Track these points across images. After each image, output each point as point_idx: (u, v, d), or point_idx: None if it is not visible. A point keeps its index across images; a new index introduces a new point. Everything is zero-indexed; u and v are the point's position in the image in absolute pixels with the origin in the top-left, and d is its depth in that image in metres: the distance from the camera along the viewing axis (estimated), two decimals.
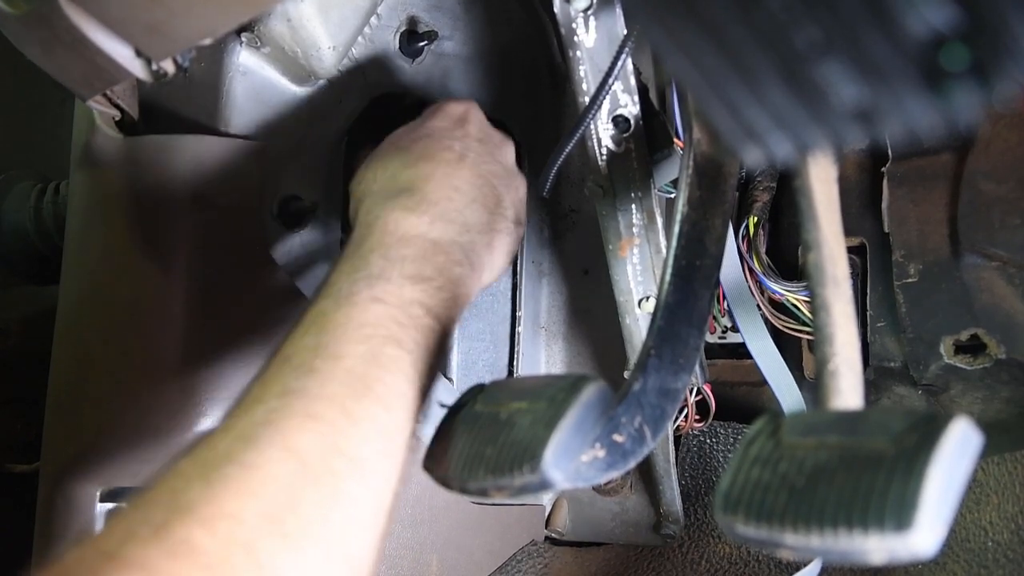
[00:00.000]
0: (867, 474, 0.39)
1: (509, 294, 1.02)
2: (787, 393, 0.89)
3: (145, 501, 0.47)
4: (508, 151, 0.76)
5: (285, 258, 0.81)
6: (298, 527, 0.48)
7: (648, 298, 0.84)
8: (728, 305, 0.92)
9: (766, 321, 0.93)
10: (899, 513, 0.37)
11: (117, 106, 0.73)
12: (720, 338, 0.94)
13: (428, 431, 0.60)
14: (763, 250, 0.90)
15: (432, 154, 0.69)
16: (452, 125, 0.73)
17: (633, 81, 0.76)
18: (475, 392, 0.60)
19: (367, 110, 0.88)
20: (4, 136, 1.31)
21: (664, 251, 0.79)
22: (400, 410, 0.56)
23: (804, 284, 0.87)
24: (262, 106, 0.80)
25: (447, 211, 0.65)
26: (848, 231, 0.54)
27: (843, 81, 0.34)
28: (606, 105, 0.76)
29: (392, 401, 0.55)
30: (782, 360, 0.90)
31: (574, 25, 0.73)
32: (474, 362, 0.99)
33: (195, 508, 0.46)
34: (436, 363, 0.59)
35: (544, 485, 0.50)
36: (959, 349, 0.79)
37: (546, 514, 1.04)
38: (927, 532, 0.36)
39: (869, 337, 0.85)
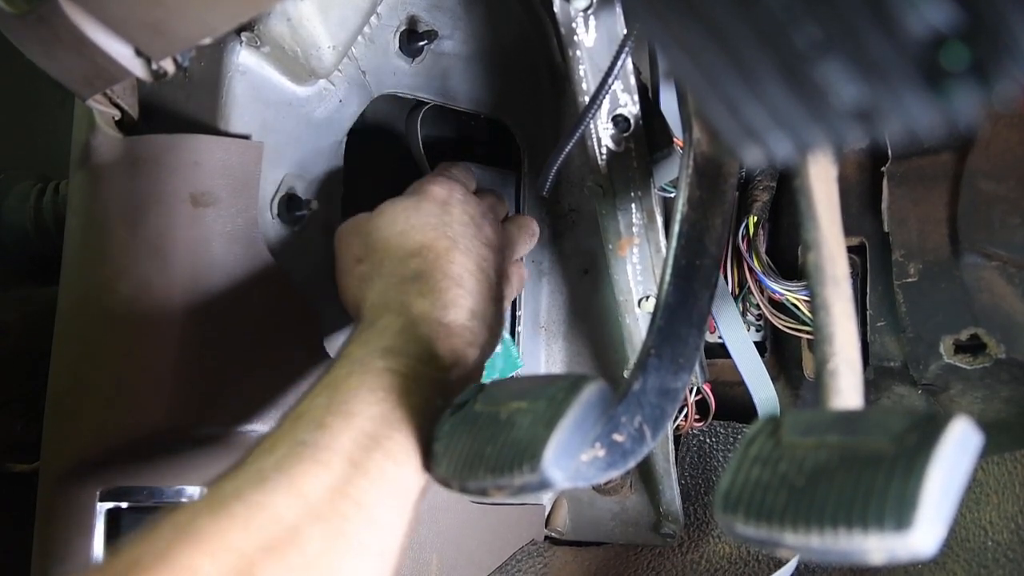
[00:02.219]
0: (867, 474, 0.39)
1: None
2: (760, 386, 0.90)
3: (151, 533, 0.49)
4: (492, 234, 0.79)
5: (285, 257, 0.81)
6: (303, 563, 0.50)
7: (648, 297, 0.84)
8: None
9: (766, 321, 0.93)
10: (899, 513, 0.37)
11: (117, 105, 0.73)
12: (720, 338, 0.94)
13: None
14: (763, 250, 0.90)
15: (430, 244, 0.72)
16: (439, 210, 0.76)
17: (633, 81, 0.76)
18: (475, 392, 0.60)
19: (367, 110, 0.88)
20: (4, 136, 1.31)
21: (664, 251, 0.79)
22: (410, 467, 0.57)
23: (804, 284, 0.87)
24: (262, 105, 0.80)
25: (456, 298, 0.69)
26: (848, 231, 0.54)
27: (843, 80, 0.34)
28: (606, 105, 0.76)
29: (402, 457, 0.57)
30: (754, 348, 0.91)
31: (574, 24, 0.73)
32: None
33: (201, 538, 0.48)
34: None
35: (544, 484, 0.50)
36: (959, 349, 0.79)
37: (546, 513, 1.04)
38: (927, 532, 0.36)
39: (869, 337, 0.85)
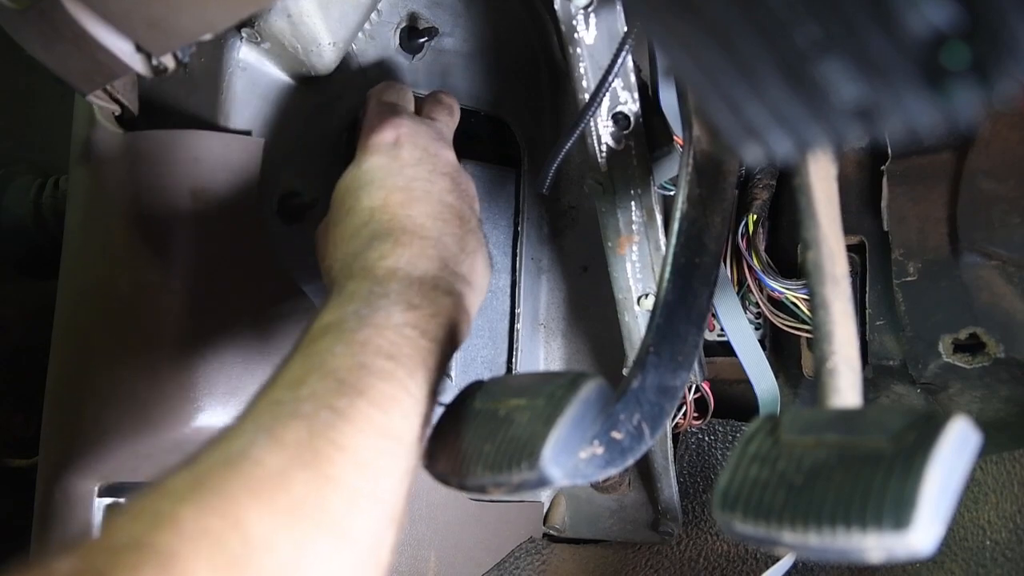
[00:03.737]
0: (865, 472, 0.39)
1: (508, 291, 1.02)
2: (761, 377, 0.90)
3: (131, 498, 0.47)
4: (446, 156, 0.74)
5: (285, 253, 0.81)
6: (289, 505, 0.47)
7: (647, 295, 0.84)
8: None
9: (765, 319, 0.93)
10: (897, 512, 0.37)
11: (117, 101, 0.73)
12: (719, 336, 0.94)
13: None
14: (762, 248, 0.90)
15: (383, 203, 0.68)
16: (388, 159, 0.71)
17: (633, 78, 0.76)
18: (474, 389, 0.60)
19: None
20: (4, 131, 1.31)
21: (663, 248, 0.79)
22: (398, 414, 0.55)
23: (803, 282, 0.87)
24: (262, 102, 0.80)
25: (422, 250, 0.65)
26: (847, 229, 0.54)
27: (843, 79, 0.34)
28: (606, 102, 0.76)
29: (387, 404, 0.54)
30: (755, 339, 0.91)
31: (574, 22, 0.73)
32: (473, 359, 0.99)
33: (179, 490, 0.46)
34: (436, 382, 0.59)
35: (542, 482, 0.50)
36: (958, 348, 0.79)
37: (544, 511, 1.04)
38: (925, 531, 0.36)
39: (868, 335, 0.85)
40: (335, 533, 0.49)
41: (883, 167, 0.82)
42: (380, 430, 0.53)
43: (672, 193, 0.82)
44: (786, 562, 0.87)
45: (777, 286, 0.88)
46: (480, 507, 0.97)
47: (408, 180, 0.70)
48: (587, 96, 0.75)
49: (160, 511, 0.44)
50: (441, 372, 0.60)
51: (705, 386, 0.97)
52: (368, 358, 0.55)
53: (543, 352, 1.05)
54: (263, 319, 0.78)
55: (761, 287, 0.90)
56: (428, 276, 0.64)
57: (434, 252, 0.66)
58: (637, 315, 0.85)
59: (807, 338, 0.90)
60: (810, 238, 0.52)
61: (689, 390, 0.97)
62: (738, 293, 0.92)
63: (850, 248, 0.85)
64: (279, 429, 0.50)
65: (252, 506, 0.46)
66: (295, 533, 0.47)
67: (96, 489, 0.75)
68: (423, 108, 0.81)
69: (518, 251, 1.02)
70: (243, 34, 0.77)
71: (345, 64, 0.84)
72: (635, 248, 0.82)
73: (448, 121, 0.80)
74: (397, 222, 0.67)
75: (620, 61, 0.71)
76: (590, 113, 0.74)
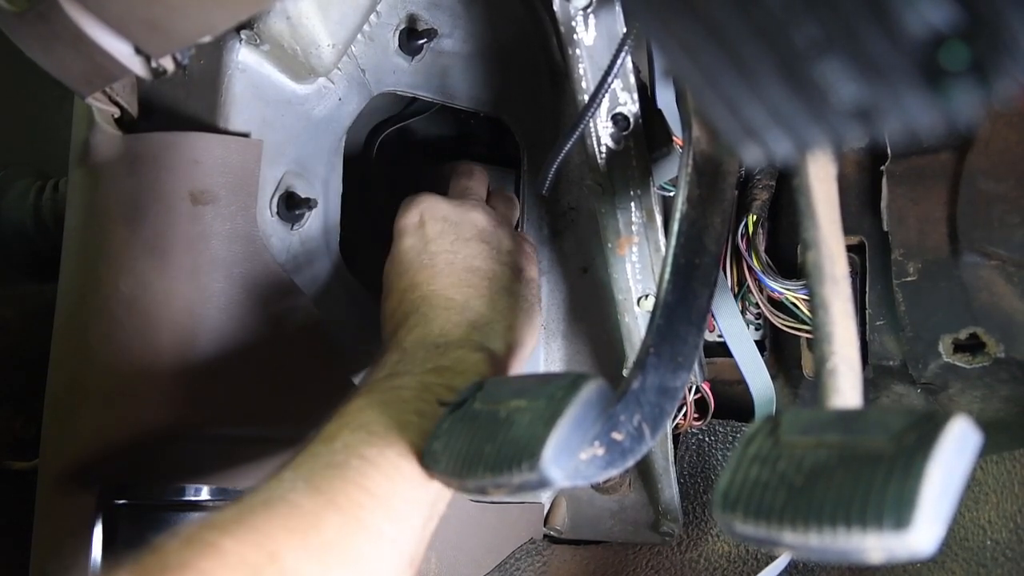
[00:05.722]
0: (866, 473, 0.39)
1: None
2: (756, 375, 0.90)
3: (184, 527, 0.53)
4: (472, 219, 0.81)
5: (284, 255, 0.81)
6: (321, 544, 0.53)
7: (647, 296, 0.84)
8: None
9: (765, 320, 0.93)
10: (898, 512, 0.37)
11: (116, 103, 0.73)
12: (719, 336, 0.94)
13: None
14: (762, 248, 0.90)
15: (411, 284, 0.76)
16: (415, 239, 0.79)
17: (632, 79, 0.76)
18: (474, 390, 0.60)
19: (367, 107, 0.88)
20: (3, 133, 1.31)
21: (663, 249, 0.79)
22: None
23: (803, 283, 0.87)
24: (261, 103, 0.80)
25: (448, 318, 0.73)
26: (847, 230, 0.54)
27: (842, 79, 0.34)
28: (605, 103, 0.76)
29: (414, 454, 0.59)
30: (751, 337, 0.92)
31: (574, 23, 0.73)
32: None
33: (224, 524, 0.52)
34: None
35: (543, 483, 0.50)
36: (958, 348, 0.79)
37: (545, 512, 1.04)
38: (926, 531, 0.36)
39: (868, 336, 0.85)
40: (360, 573, 0.55)
41: (883, 167, 0.82)
42: (407, 478, 0.58)
43: (672, 194, 0.82)
44: (781, 561, 0.87)
45: (777, 287, 0.88)
46: (481, 508, 0.97)
47: (431, 256, 0.77)
48: (586, 97, 0.75)
49: (206, 540, 0.50)
50: None
51: (705, 387, 0.97)
52: (395, 412, 0.61)
53: (543, 353, 1.05)
54: (263, 320, 0.78)
55: (761, 288, 0.90)
56: (454, 339, 0.71)
57: (460, 318, 0.73)
58: (637, 316, 0.85)
59: (807, 339, 0.90)
60: (810, 239, 0.52)
61: (689, 391, 0.97)
62: (738, 294, 0.92)
63: (850, 248, 0.85)
64: (315, 477, 0.56)
65: (287, 542, 0.52)
66: (324, 569, 0.53)
67: (97, 492, 0.75)
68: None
69: None
70: (242, 36, 0.77)
71: (344, 66, 0.84)
72: (635, 249, 0.82)
73: (478, 188, 0.91)
74: (424, 300, 0.75)
75: (619, 62, 0.71)
76: (589, 114, 0.74)
